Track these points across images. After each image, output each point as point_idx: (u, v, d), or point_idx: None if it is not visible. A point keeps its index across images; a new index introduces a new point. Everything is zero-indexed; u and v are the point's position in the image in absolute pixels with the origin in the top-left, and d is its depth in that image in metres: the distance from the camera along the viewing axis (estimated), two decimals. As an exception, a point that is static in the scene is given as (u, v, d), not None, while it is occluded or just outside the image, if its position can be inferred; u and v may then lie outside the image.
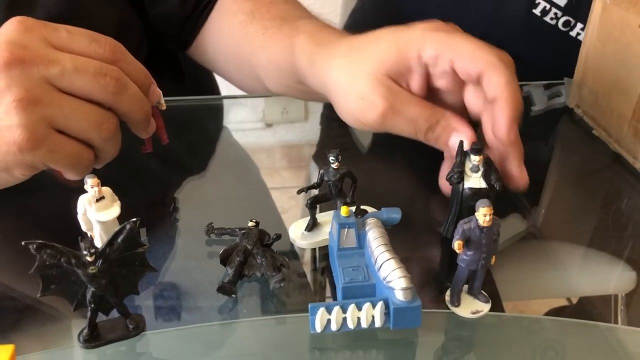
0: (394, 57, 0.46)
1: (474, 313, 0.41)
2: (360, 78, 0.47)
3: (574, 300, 0.47)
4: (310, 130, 0.72)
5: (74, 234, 0.40)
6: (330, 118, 0.70)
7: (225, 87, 0.85)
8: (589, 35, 0.60)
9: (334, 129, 0.69)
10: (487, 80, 0.44)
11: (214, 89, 0.86)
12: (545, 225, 0.54)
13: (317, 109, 0.73)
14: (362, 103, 0.47)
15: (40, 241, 0.35)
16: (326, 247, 0.47)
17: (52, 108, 0.42)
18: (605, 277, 0.48)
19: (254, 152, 0.65)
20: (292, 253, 0.48)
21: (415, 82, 0.47)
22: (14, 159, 0.42)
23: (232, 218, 0.51)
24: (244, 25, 0.65)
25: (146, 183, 0.58)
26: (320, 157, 0.65)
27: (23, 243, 0.35)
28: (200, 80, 0.83)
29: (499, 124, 0.45)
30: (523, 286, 0.47)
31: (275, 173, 0.62)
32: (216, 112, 0.73)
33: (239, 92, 0.80)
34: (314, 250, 0.48)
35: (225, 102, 0.73)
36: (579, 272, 0.49)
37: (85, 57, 0.43)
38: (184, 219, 0.53)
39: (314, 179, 0.47)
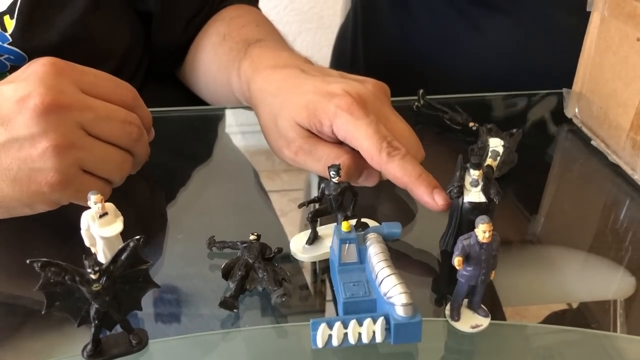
0: (307, 118, 0.50)
1: (473, 327, 0.42)
2: (280, 121, 0.53)
3: (574, 306, 0.47)
4: None
5: (77, 250, 0.41)
6: None
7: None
8: (588, 47, 0.61)
9: None
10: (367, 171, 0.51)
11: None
12: (544, 233, 0.54)
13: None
14: (279, 141, 0.53)
15: (44, 259, 0.35)
16: (327, 260, 0.48)
17: (84, 152, 0.44)
18: (604, 284, 0.49)
19: (254, 155, 0.66)
20: (293, 266, 0.48)
21: (325, 135, 0.51)
22: (42, 198, 0.44)
23: (233, 227, 0.51)
24: (216, 46, 0.69)
25: (147, 192, 0.59)
26: None
27: (28, 261, 0.35)
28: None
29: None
30: (523, 292, 0.48)
31: (275, 176, 0.62)
32: (218, 121, 0.73)
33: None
34: (314, 263, 0.49)
35: (227, 111, 0.74)
36: (578, 280, 0.49)
37: (112, 104, 0.46)
38: (186, 228, 0.53)
39: (314, 184, 0.48)
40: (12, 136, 0.43)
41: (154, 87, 0.55)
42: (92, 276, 0.35)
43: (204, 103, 0.82)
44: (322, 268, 0.48)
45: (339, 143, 0.51)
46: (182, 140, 0.68)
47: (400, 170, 0.47)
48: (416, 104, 0.68)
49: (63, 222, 0.51)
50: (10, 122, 0.43)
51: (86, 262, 0.35)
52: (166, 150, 0.61)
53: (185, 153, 0.66)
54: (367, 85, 0.52)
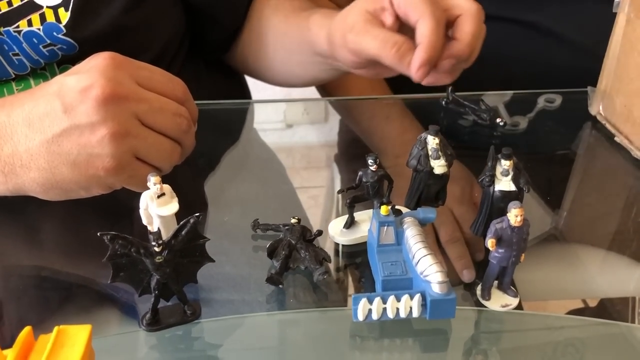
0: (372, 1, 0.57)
1: (503, 306, 0.44)
2: (350, 13, 0.59)
3: (594, 302, 0.49)
4: (330, 132, 0.74)
5: (125, 231, 0.44)
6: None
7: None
8: (613, 46, 0.63)
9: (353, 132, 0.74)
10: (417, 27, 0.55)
11: (245, 93, 0.90)
12: (567, 228, 0.56)
13: (336, 110, 0.76)
14: (345, 27, 0.58)
15: (113, 233, 0.39)
16: (361, 243, 0.50)
17: (137, 140, 0.47)
18: (625, 279, 0.50)
19: (275, 152, 0.68)
20: (330, 249, 0.51)
21: (388, 20, 0.57)
22: (98, 181, 0.48)
23: (264, 215, 0.53)
24: (269, 19, 0.71)
25: (190, 180, 0.62)
26: (340, 159, 0.68)
27: (99, 234, 0.38)
28: (235, 83, 0.87)
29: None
30: (543, 287, 0.49)
31: (295, 173, 0.64)
32: (244, 115, 0.76)
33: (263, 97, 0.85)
34: (350, 246, 0.52)
35: (251, 105, 0.76)
36: (599, 275, 0.51)
37: (165, 97, 0.49)
38: (226, 214, 0.56)
39: (337, 180, 0.50)
40: (74, 123, 0.46)
41: (188, 79, 0.59)
42: (156, 249, 0.39)
43: (233, 95, 0.84)
44: (357, 251, 0.51)
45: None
46: (215, 132, 0.71)
47: (428, 29, 0.53)
48: (445, 100, 0.70)
49: (112, 205, 0.54)
50: (73, 110, 0.46)
51: (151, 236, 0.39)
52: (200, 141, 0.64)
53: (216, 144, 0.68)
54: None
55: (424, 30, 0.54)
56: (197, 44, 0.77)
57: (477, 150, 0.64)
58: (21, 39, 0.59)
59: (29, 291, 0.48)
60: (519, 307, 0.46)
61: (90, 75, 0.47)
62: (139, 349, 0.43)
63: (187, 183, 0.62)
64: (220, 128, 0.72)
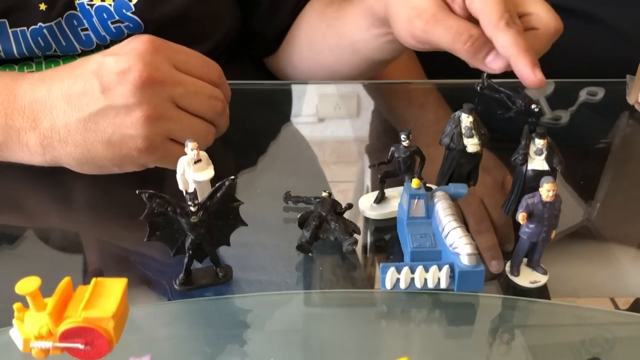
0: None
1: (532, 283, 0.44)
2: None
3: (624, 299, 0.47)
4: (362, 127, 0.74)
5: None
6: (381, 115, 0.75)
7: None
8: (654, 34, 0.62)
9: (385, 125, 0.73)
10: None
11: None
12: (599, 220, 0.55)
13: (369, 105, 0.75)
14: (412, 11, 0.54)
15: (151, 191, 0.40)
16: (390, 219, 0.51)
17: (171, 123, 0.49)
18: None
19: (306, 145, 0.68)
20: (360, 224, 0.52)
21: (457, 10, 0.54)
22: (131, 160, 0.50)
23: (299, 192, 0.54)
24: (321, 11, 0.71)
25: (221, 155, 0.63)
26: (372, 151, 0.67)
27: (137, 192, 0.40)
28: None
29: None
30: (572, 282, 0.49)
31: (325, 167, 0.64)
32: (278, 96, 0.76)
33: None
34: (379, 221, 0.52)
35: (283, 88, 0.77)
36: (631, 271, 0.50)
37: (200, 81, 0.51)
38: (258, 187, 0.57)
39: (367, 175, 0.51)
40: (110, 104, 0.48)
41: (234, 67, 0.59)
42: (192, 209, 0.40)
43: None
44: (386, 226, 0.51)
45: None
46: (246, 110, 0.71)
47: (511, 40, 0.49)
48: (480, 85, 0.70)
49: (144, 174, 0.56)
50: (110, 91, 0.48)
51: (187, 196, 0.40)
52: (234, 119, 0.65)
53: (248, 124, 0.69)
54: None
55: (508, 45, 0.50)
56: (246, 43, 0.78)
57: (512, 137, 0.64)
58: (92, 12, 0.62)
59: (64, 250, 0.50)
60: (546, 295, 0.46)
61: (129, 58, 0.48)
62: (169, 322, 0.44)
63: (220, 156, 0.63)
64: (254, 108, 0.72)
